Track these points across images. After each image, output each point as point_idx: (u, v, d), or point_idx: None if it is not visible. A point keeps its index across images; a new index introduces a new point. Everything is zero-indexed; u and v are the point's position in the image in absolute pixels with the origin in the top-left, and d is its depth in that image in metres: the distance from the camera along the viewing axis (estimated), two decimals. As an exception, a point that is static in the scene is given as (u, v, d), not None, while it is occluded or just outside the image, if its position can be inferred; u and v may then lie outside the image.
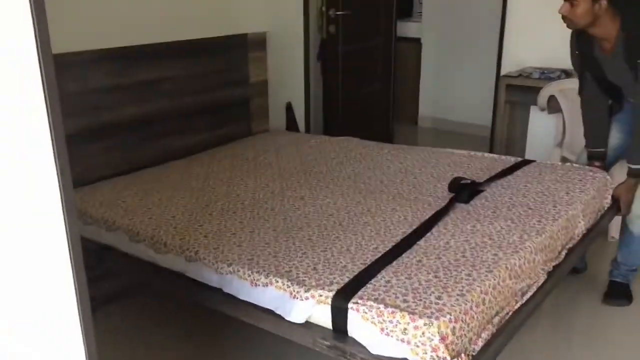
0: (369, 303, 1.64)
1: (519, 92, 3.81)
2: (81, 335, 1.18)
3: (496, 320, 1.72)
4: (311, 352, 1.83)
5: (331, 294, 1.72)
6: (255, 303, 1.91)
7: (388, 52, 4.90)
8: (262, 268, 1.91)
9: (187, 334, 2.63)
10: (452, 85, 5.62)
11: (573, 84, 3.31)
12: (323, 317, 1.75)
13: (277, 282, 1.84)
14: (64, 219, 1.09)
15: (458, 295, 1.65)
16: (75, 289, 1.14)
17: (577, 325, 2.66)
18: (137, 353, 2.50)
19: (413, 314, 1.58)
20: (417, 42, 5.74)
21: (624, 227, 2.67)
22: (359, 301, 1.66)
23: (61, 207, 1.08)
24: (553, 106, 3.44)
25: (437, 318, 1.55)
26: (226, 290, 2.00)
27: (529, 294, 1.87)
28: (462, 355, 1.56)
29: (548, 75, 3.66)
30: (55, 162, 1.06)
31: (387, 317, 1.60)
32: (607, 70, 2.52)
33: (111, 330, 2.59)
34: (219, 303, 2.04)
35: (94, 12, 2.79)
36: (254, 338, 2.40)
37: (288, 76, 3.97)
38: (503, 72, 4.03)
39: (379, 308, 1.62)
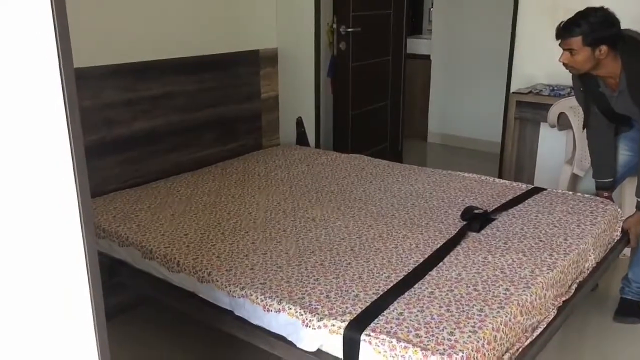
0: (382, 337, 1.66)
1: (529, 109, 3.82)
2: (96, 347, 1.20)
3: (506, 357, 1.73)
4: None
5: (344, 325, 1.74)
6: (267, 328, 1.93)
7: (398, 69, 4.92)
8: (275, 293, 1.93)
9: (195, 350, 2.65)
10: (461, 101, 5.64)
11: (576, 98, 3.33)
12: (335, 346, 1.76)
13: (290, 309, 1.85)
14: (82, 231, 1.11)
15: (470, 332, 1.67)
16: (92, 300, 1.17)
17: (588, 343, 2.65)
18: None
19: (426, 349, 1.59)
20: (426, 58, 5.78)
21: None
22: (372, 334, 1.68)
23: (79, 219, 1.11)
24: (563, 123, 3.44)
25: (449, 355, 1.57)
26: (238, 313, 2.02)
27: (539, 329, 1.88)
28: (472, 394, 1.58)
29: (558, 92, 3.66)
30: (75, 175, 1.09)
31: (400, 352, 1.61)
32: (615, 104, 2.55)
33: (119, 343, 2.60)
34: (231, 326, 2.06)
35: (107, 27, 2.82)
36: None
37: (298, 91, 3.99)
38: (513, 88, 4.03)
39: (391, 342, 1.63)
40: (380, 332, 1.68)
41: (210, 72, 3.38)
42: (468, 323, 1.71)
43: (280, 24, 3.83)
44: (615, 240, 2.50)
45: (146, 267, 2.34)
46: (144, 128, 3.06)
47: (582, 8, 2.45)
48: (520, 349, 1.79)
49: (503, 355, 1.73)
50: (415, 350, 1.59)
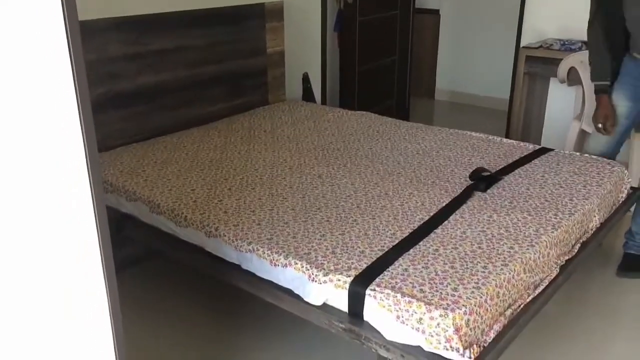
0: (386, 291, 1.69)
1: (538, 64, 3.77)
2: (106, 297, 1.24)
3: (508, 312, 1.76)
4: (325, 332, 1.89)
5: (349, 280, 1.77)
6: (274, 281, 1.96)
7: (406, 24, 4.84)
8: (282, 249, 1.95)
9: (202, 302, 2.70)
10: (470, 57, 5.57)
11: None
12: (340, 300, 1.80)
13: (296, 264, 1.88)
14: (90, 184, 1.13)
15: (474, 287, 1.69)
16: (101, 253, 1.19)
17: (591, 299, 2.67)
18: (151, 320, 2.58)
19: (429, 304, 1.62)
20: (435, 13, 5.67)
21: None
22: (377, 288, 1.71)
23: (87, 173, 1.12)
24: (573, 78, 3.40)
25: (452, 310, 1.60)
26: (245, 267, 2.05)
27: (541, 287, 1.91)
28: (474, 346, 1.61)
29: (569, 46, 3.60)
30: (82, 128, 1.10)
31: (404, 306, 1.64)
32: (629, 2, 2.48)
33: (127, 295, 2.66)
34: (239, 279, 2.09)
35: None
36: (271, 312, 2.46)
37: (305, 47, 3.94)
38: (523, 43, 3.97)
39: (395, 296, 1.67)
40: (385, 286, 1.71)
41: (215, 27, 3.33)
42: (472, 279, 1.73)
43: None
44: (621, 202, 2.51)
45: (154, 222, 2.37)
46: (149, 82, 3.04)
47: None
48: (522, 305, 1.82)
49: (505, 310, 1.76)
50: (419, 305, 1.62)
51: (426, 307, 1.62)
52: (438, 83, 5.83)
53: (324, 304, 1.85)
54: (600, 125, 2.66)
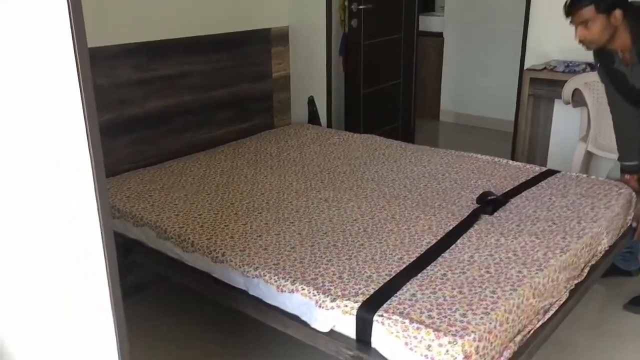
0: (394, 317, 1.68)
1: (543, 86, 3.77)
2: (113, 324, 1.23)
3: (518, 338, 1.75)
4: (333, 359, 1.87)
5: (356, 305, 1.76)
6: (281, 307, 1.95)
7: (410, 47, 4.87)
8: (289, 274, 1.95)
9: (210, 329, 2.68)
10: (474, 79, 5.59)
11: (598, 77, 3.28)
12: (347, 327, 1.78)
13: (304, 289, 1.87)
14: (98, 211, 1.13)
15: (483, 313, 1.68)
16: (108, 279, 1.19)
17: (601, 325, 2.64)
18: (158, 347, 2.56)
19: (438, 330, 1.61)
20: (439, 36, 5.72)
21: None
22: (384, 314, 1.70)
23: (95, 199, 1.12)
24: (578, 100, 3.40)
25: (461, 337, 1.58)
26: (252, 292, 2.04)
27: (551, 312, 1.89)
28: (485, 373, 1.60)
29: (573, 68, 3.60)
30: (90, 155, 1.10)
31: (412, 333, 1.63)
32: (633, 79, 2.49)
33: (134, 321, 2.65)
34: (246, 305, 2.08)
35: (120, 7, 2.82)
36: (278, 338, 2.44)
37: (310, 70, 3.96)
38: (527, 65, 3.97)
39: (404, 323, 1.65)
40: (392, 312, 1.70)
41: (222, 52, 3.37)
42: (480, 305, 1.72)
43: (291, 2, 3.80)
44: (629, 224, 2.49)
45: (161, 247, 2.37)
46: (156, 107, 3.07)
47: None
48: (532, 331, 1.80)
49: (515, 336, 1.74)
50: (428, 332, 1.61)
51: (435, 334, 1.60)
52: (443, 105, 5.84)
53: (332, 331, 1.83)
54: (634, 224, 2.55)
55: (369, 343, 1.74)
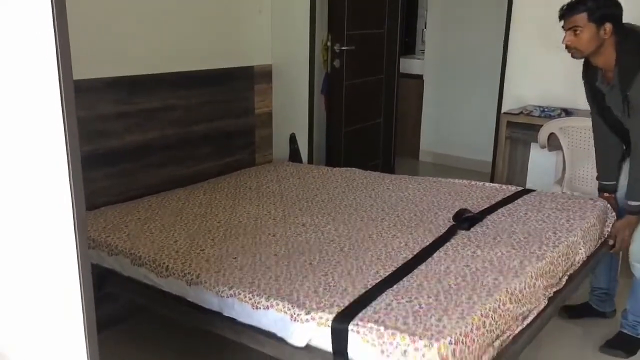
0: (369, 325, 1.64)
1: (520, 129, 3.86)
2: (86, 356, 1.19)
3: (497, 343, 1.71)
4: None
5: (331, 317, 1.72)
6: (256, 326, 1.91)
7: (391, 88, 4.97)
8: (263, 291, 1.91)
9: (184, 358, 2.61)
10: (453, 121, 5.68)
11: (573, 122, 3.36)
12: (323, 340, 1.74)
13: (278, 305, 1.84)
14: (76, 241, 1.11)
15: (458, 318, 1.65)
16: (83, 310, 1.16)
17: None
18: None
19: (413, 335, 1.58)
20: (419, 78, 5.85)
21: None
22: (359, 323, 1.67)
23: (73, 229, 1.11)
24: (553, 143, 3.47)
25: (437, 340, 1.55)
26: (227, 313, 2.00)
27: (530, 318, 1.86)
28: (463, 377, 1.56)
29: (548, 113, 3.70)
30: (71, 187, 1.09)
31: (387, 339, 1.60)
32: (609, 102, 2.51)
33: (109, 355, 2.57)
34: (220, 326, 2.04)
35: (102, 40, 2.85)
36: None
37: (292, 108, 4.02)
38: (504, 109, 4.08)
39: (379, 330, 1.62)
40: (367, 321, 1.67)
41: (204, 87, 3.41)
42: (456, 310, 1.69)
43: (275, 41, 3.88)
44: (607, 235, 2.49)
45: (135, 274, 2.32)
46: (136, 141, 3.07)
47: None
48: (511, 337, 1.77)
49: (494, 342, 1.70)
50: (403, 337, 1.58)
51: (410, 338, 1.57)
52: (422, 144, 5.92)
53: (308, 346, 1.79)
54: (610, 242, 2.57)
55: (346, 355, 1.69)
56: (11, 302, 1.08)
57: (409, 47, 6.28)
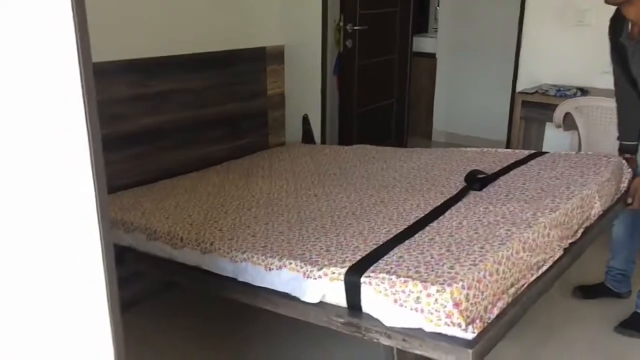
0: (381, 275, 1.64)
1: (534, 109, 3.80)
2: (111, 338, 1.20)
3: (512, 291, 1.70)
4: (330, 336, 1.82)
5: (343, 271, 1.72)
6: (270, 287, 1.92)
7: (403, 67, 4.94)
8: (276, 253, 1.93)
9: (207, 338, 2.63)
10: (466, 100, 5.63)
11: (589, 101, 3.30)
12: (337, 295, 1.74)
13: (291, 264, 1.85)
14: (98, 221, 1.12)
15: (471, 264, 1.64)
16: (107, 289, 1.17)
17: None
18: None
19: (425, 282, 1.57)
20: (432, 57, 5.77)
21: None
22: (371, 274, 1.66)
23: (96, 210, 1.11)
24: (568, 123, 3.42)
25: (449, 285, 1.54)
26: (241, 278, 2.01)
27: (545, 267, 1.85)
28: (477, 321, 1.55)
29: (564, 92, 3.64)
30: (92, 167, 1.10)
31: (400, 287, 1.59)
32: (632, 58, 2.46)
33: (132, 334, 2.60)
34: (235, 291, 2.05)
35: (115, 24, 2.87)
36: (280, 342, 2.39)
37: (305, 89, 3.99)
38: (519, 88, 4.02)
39: (391, 279, 1.62)
40: (379, 272, 1.66)
41: (217, 69, 3.37)
42: (469, 258, 1.68)
43: (287, 22, 3.83)
44: (623, 191, 2.46)
45: (151, 249, 2.34)
46: (150, 124, 3.07)
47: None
48: (526, 285, 1.75)
49: (508, 289, 1.69)
50: (415, 284, 1.57)
51: (422, 285, 1.56)
52: (435, 124, 5.87)
53: (322, 303, 1.79)
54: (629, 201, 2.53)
55: (360, 307, 1.70)
56: (35, 284, 1.10)
57: (422, 25, 6.16)
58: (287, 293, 1.87)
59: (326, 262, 1.79)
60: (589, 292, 2.90)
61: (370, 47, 4.42)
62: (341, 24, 4.17)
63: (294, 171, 3.04)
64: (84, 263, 1.14)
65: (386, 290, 1.62)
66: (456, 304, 1.51)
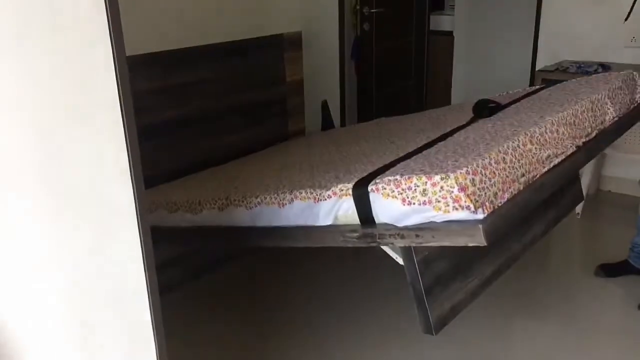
0: (387, 179, 1.64)
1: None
2: (150, 319, 1.27)
3: (523, 179, 1.66)
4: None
5: (351, 185, 1.73)
6: (286, 224, 1.93)
7: (421, 47, 4.91)
8: (286, 187, 1.94)
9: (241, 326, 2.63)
10: (485, 78, 5.54)
11: None
12: (349, 213, 1.74)
13: (301, 193, 1.86)
14: (136, 208, 1.20)
15: (476, 155, 1.62)
16: (145, 272, 1.23)
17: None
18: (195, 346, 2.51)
19: (429, 174, 1.56)
20: (449, 35, 5.62)
21: None
22: (377, 181, 1.66)
23: (133, 198, 1.19)
24: None
25: (453, 171, 1.52)
26: (258, 223, 2.03)
27: (557, 160, 1.80)
28: (487, 204, 1.52)
29: (585, 69, 3.50)
30: (129, 156, 1.18)
31: (405, 185, 1.58)
32: None
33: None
34: (254, 238, 2.06)
35: (131, 19, 2.93)
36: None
37: (323, 74, 3.96)
38: (538, 66, 3.89)
39: (396, 179, 1.61)
40: (385, 176, 1.66)
41: (235, 59, 3.36)
42: (473, 152, 1.66)
43: (303, 7, 3.81)
44: (638, 102, 2.38)
45: (172, 221, 2.37)
46: (171, 116, 3.08)
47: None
48: (537, 175, 1.71)
49: (519, 178, 1.65)
50: (419, 177, 1.56)
51: (426, 177, 1.55)
52: (453, 103, 5.79)
53: (336, 225, 1.79)
54: None
55: (372, 218, 1.68)
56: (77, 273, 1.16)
57: (439, 2, 6.01)
58: (302, 226, 1.87)
59: (334, 183, 1.80)
60: (612, 270, 2.79)
61: (387, 30, 4.39)
62: (358, 7, 4.15)
63: (309, 145, 3.06)
64: (125, 246, 1.20)
65: (393, 192, 1.61)
66: (462, 189, 1.49)
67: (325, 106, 4.03)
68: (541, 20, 3.93)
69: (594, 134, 2.03)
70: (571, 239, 3.31)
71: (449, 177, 1.51)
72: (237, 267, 2.99)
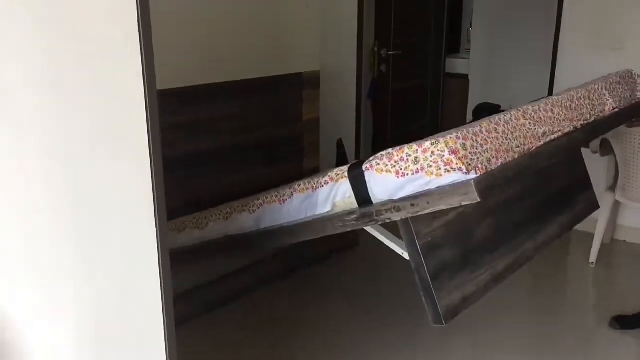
0: (379, 154, 1.65)
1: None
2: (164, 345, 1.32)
3: (518, 150, 1.66)
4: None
5: (346, 168, 1.75)
6: (287, 220, 1.93)
7: (437, 89, 4.99)
8: (285, 185, 1.97)
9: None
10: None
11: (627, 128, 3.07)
12: (347, 197, 1.74)
13: (300, 185, 1.89)
14: (157, 236, 1.29)
15: (465, 128, 1.63)
16: (162, 300, 1.30)
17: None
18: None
19: (420, 144, 1.57)
20: (464, 78, 5.66)
21: None
22: (371, 159, 1.68)
23: (155, 228, 1.28)
24: (605, 149, 3.23)
25: (443, 137, 1.54)
26: (262, 225, 2.04)
27: (553, 136, 1.80)
28: (479, 166, 1.51)
29: None
30: (153, 190, 1.28)
31: (397, 156, 1.60)
32: None
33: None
34: (260, 240, 2.07)
35: (159, 57, 2.96)
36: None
37: (339, 113, 4.00)
38: None
39: (389, 152, 1.63)
40: (378, 154, 1.68)
41: (253, 96, 3.37)
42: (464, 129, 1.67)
43: (323, 47, 3.79)
44: (639, 98, 2.37)
45: (182, 241, 2.40)
46: (187, 152, 3.13)
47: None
48: (533, 147, 1.71)
49: (514, 149, 1.65)
50: (410, 146, 1.58)
51: (417, 145, 1.57)
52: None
53: (336, 213, 1.79)
54: None
55: (369, 198, 1.68)
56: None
57: (454, 46, 6.09)
58: (301, 222, 1.88)
59: (330, 172, 1.82)
60: (628, 322, 2.62)
61: (404, 71, 4.45)
62: (376, 49, 4.26)
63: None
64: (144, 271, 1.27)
65: (387, 165, 1.62)
66: (453, 152, 1.49)
67: (340, 145, 4.07)
68: (557, 67, 3.90)
69: (592, 120, 2.02)
70: (585, 288, 3.17)
71: (439, 142, 1.52)
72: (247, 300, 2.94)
